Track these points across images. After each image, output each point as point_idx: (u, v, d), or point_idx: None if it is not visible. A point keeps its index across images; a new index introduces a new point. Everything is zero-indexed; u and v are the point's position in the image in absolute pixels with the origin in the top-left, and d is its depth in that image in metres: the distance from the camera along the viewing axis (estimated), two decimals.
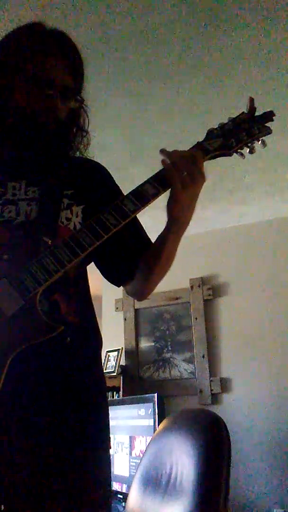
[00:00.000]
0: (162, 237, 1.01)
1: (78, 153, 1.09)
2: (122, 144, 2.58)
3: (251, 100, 1.05)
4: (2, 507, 0.80)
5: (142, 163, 2.72)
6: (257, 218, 3.53)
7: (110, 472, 0.95)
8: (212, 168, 2.76)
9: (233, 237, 3.61)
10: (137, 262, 1.06)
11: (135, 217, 0.99)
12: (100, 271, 1.12)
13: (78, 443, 0.88)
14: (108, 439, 0.96)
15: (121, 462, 2.99)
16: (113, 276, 1.11)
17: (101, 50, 1.93)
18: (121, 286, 1.13)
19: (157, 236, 1.04)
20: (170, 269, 1.05)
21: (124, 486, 2.85)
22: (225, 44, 1.93)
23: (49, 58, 0.98)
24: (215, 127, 1.05)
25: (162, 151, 0.97)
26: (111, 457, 0.96)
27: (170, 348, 3.57)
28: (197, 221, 3.57)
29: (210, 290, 3.53)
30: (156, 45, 1.93)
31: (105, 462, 0.94)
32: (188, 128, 2.40)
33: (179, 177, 0.93)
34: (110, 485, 0.96)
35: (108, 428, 0.97)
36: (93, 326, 1.01)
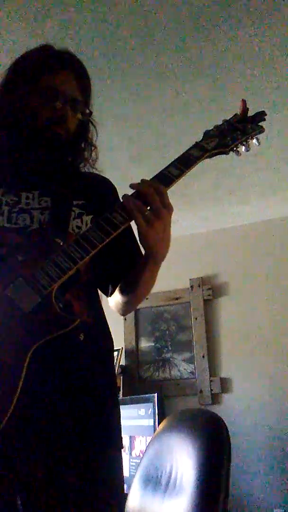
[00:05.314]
0: (141, 267, 1.03)
1: (87, 167, 1.16)
2: (122, 144, 2.58)
3: (244, 102, 1.14)
4: (19, 501, 0.83)
5: (142, 163, 2.71)
6: (257, 218, 3.53)
7: (122, 471, 0.99)
8: (212, 168, 2.79)
9: (233, 237, 3.61)
10: (122, 276, 1.10)
11: (131, 228, 1.03)
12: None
13: (91, 442, 0.91)
14: (120, 439, 0.99)
15: None
16: (101, 286, 1.14)
17: (101, 50, 1.93)
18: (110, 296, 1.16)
19: None
20: (153, 287, 1.09)
21: (124, 486, 2.85)
22: (225, 45, 1.93)
23: (59, 73, 1.07)
24: (211, 128, 1.13)
25: (131, 186, 0.98)
26: (122, 456, 0.99)
27: (170, 348, 3.57)
28: (197, 221, 3.58)
29: (210, 290, 3.53)
30: (156, 45, 1.93)
31: (118, 461, 0.98)
32: (188, 129, 2.40)
33: (142, 217, 0.93)
34: (123, 484, 0.99)
35: (120, 428, 1.00)
36: (105, 328, 1.06)
